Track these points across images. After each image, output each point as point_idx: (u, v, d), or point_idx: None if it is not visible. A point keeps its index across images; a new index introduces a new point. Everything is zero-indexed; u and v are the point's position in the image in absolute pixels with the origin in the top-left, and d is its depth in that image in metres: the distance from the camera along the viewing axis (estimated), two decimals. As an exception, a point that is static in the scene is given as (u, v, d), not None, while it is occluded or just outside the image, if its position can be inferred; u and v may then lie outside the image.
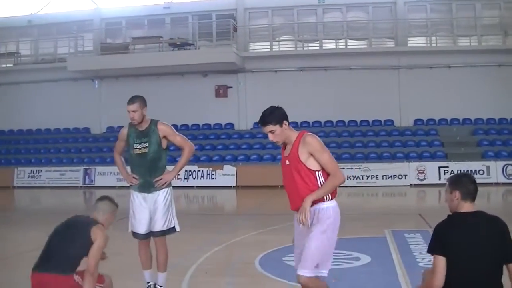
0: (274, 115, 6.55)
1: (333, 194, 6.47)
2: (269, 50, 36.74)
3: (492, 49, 33.72)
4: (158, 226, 8.38)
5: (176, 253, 11.87)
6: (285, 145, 6.62)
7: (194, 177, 31.66)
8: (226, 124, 36.48)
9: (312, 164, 6.31)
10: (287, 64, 35.25)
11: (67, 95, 37.09)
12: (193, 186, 30.77)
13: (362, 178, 30.29)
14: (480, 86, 32.89)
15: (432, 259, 5.41)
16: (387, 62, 34.39)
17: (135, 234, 8.49)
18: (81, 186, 32.91)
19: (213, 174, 31.56)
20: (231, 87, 36.29)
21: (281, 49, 36.83)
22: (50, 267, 6.56)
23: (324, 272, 6.52)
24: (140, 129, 8.46)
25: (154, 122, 8.52)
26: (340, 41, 36.01)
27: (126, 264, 10.17)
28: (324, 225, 6.35)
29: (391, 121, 34.82)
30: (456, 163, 28.40)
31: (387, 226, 15.08)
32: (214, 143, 35.06)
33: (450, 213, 5.53)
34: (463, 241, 5.25)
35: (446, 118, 34.11)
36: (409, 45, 35.24)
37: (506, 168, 29.41)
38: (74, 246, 6.68)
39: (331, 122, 34.56)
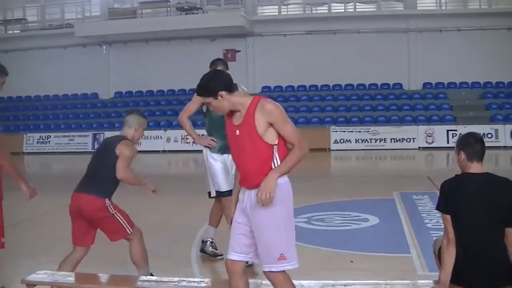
0: (207, 87, 5.46)
1: None
2: (277, 13, 36.56)
3: (502, 12, 33.36)
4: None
5: (186, 216, 11.97)
6: (232, 112, 5.39)
7: (202, 141, 31.65)
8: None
9: (270, 137, 5.17)
10: (296, 27, 35.08)
11: (75, 61, 37.06)
12: (201, 150, 30.71)
13: (371, 142, 30.32)
14: (489, 50, 32.68)
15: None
16: (396, 25, 34.22)
17: (221, 193, 8.48)
18: (90, 151, 32.93)
19: (221, 138, 31.56)
20: (239, 51, 36.18)
21: (289, 12, 36.68)
22: (84, 188, 6.76)
23: (292, 264, 5.22)
24: None
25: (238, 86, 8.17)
26: (348, 4, 35.77)
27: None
28: (282, 205, 5.23)
29: (400, 84, 34.73)
30: (464, 127, 28.26)
31: (395, 188, 15.10)
32: (223, 108, 35.04)
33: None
34: (467, 200, 5.25)
35: (455, 81, 34.00)
36: (418, 8, 34.97)
37: (515, 132, 29.43)
38: (104, 167, 6.77)
39: (340, 85, 34.49)
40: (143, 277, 6.64)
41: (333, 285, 5.95)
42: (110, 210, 6.73)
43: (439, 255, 5.51)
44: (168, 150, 31.95)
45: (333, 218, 10.87)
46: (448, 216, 5.26)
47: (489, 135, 29.09)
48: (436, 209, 5.50)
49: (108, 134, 33.02)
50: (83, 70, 36.88)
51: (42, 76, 36.82)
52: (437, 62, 33.29)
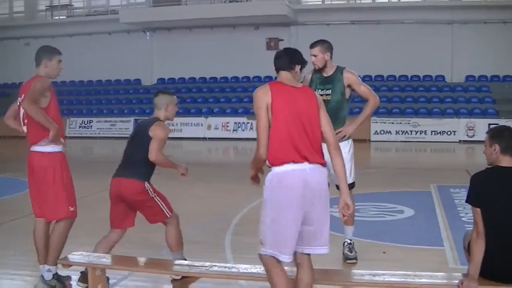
0: None
1: (274, 160, 5.27)
2: (321, 3, 36.54)
3: (548, 4, 33.03)
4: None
5: (225, 202, 12.11)
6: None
7: (243, 129, 31.87)
8: (277, 77, 36.49)
9: None
10: (339, 17, 35.01)
11: (119, 47, 37.43)
12: (242, 138, 31.00)
13: (411, 133, 30.19)
14: (535, 42, 32.31)
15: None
16: (440, 16, 33.93)
17: None
18: (131, 137, 33.37)
19: (262, 126, 31.67)
20: (282, 40, 36.18)
21: (333, 2, 36.58)
22: (123, 173, 6.91)
23: (263, 251, 5.24)
24: (325, 75, 7.97)
25: (340, 69, 8.02)
26: (393, -6, 35.65)
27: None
28: (266, 192, 5.28)
29: (442, 76, 34.48)
30: (507, 120, 27.89)
31: (433, 181, 15.11)
32: (264, 96, 35.15)
33: (489, 166, 5.56)
34: (498, 193, 5.26)
35: (499, 74, 33.64)
36: (463, -1, 34.72)
37: (558, 126, 29.01)
38: (140, 150, 6.88)
39: (382, 76, 34.35)
40: (176, 261, 6.79)
41: (362, 274, 6.05)
42: (150, 193, 6.86)
43: (468, 249, 5.54)
44: (209, 138, 32.13)
45: (369, 209, 10.91)
46: (478, 210, 5.30)
47: (532, 130, 28.75)
48: (466, 201, 5.53)
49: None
50: (126, 56, 37.21)
51: (86, 61, 37.18)
52: (481, 54, 32.95)
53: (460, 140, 29.56)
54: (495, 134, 5.52)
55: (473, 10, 33.55)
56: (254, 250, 6.97)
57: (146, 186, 6.87)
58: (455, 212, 11.14)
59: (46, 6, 40.86)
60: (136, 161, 6.91)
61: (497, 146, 5.41)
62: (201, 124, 32.81)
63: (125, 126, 33.73)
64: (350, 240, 8.07)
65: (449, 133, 29.92)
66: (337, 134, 7.38)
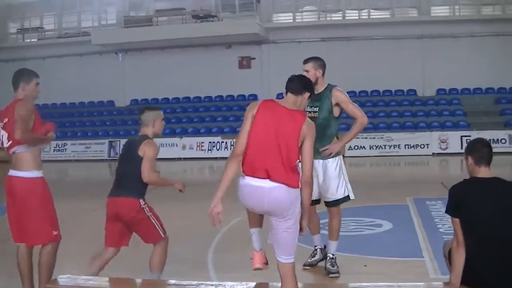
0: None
1: (244, 168, 5.63)
2: (292, 20, 36.84)
3: (516, 17, 33.56)
4: (330, 194, 8.03)
5: (203, 221, 12.16)
6: None
7: (218, 148, 31.98)
8: (250, 95, 36.65)
9: None
10: (310, 34, 35.28)
11: (92, 68, 37.41)
12: (217, 157, 31.07)
13: (385, 148, 30.48)
14: (503, 55, 32.73)
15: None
16: (410, 31, 34.37)
17: None
18: (106, 159, 33.29)
19: (236, 146, 31.75)
20: (254, 58, 36.45)
21: (304, 19, 36.91)
22: (118, 192, 6.98)
23: None
24: (315, 92, 7.61)
25: (330, 87, 8.13)
26: (362, 11, 36.00)
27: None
28: None
29: (414, 91, 34.88)
30: (478, 132, 28.28)
31: (409, 194, 15.26)
32: (237, 114, 35.22)
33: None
34: (475, 203, 5.40)
35: (469, 87, 34.09)
36: (432, 14, 35.14)
37: (529, 137, 29.49)
38: (131, 169, 6.95)
39: (354, 92, 34.48)
40: (166, 281, 6.86)
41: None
42: (146, 211, 6.94)
43: (449, 257, 5.67)
44: (184, 158, 32.13)
45: (348, 223, 10.99)
46: (457, 220, 5.44)
47: (503, 141, 29.19)
48: (446, 212, 5.66)
49: (125, 141, 33.39)
50: (99, 77, 37.19)
51: (59, 84, 37.04)
52: (451, 68, 33.37)
53: (433, 153, 29.88)
54: (468, 147, 5.71)
55: (442, 25, 34.06)
56: (237, 266, 7.05)
57: (141, 203, 6.94)
58: (432, 223, 11.29)
59: (17, 29, 40.83)
60: (129, 179, 6.96)
61: (470, 158, 5.60)
62: (176, 144, 32.82)
63: (100, 148, 33.72)
64: (333, 255, 8.14)
65: (422, 146, 30.23)
66: (323, 151, 7.71)
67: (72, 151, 34.36)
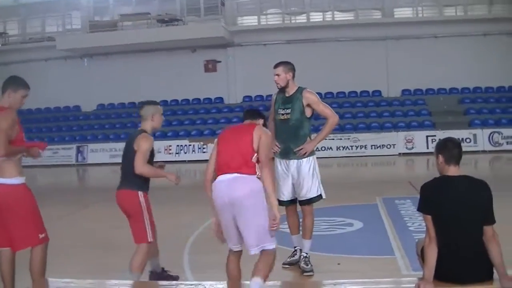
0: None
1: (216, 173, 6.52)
2: (257, 23, 36.92)
3: (478, 19, 34.00)
4: (303, 194, 8.26)
5: (176, 224, 12.21)
6: None
7: (185, 151, 32.02)
8: (216, 98, 36.75)
9: None
10: (276, 37, 35.47)
11: (57, 74, 37.17)
12: (185, 161, 31.12)
13: (352, 149, 30.70)
14: (466, 56, 33.18)
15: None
16: (374, 33, 34.65)
17: (280, 201, 8.18)
18: (74, 164, 33.14)
19: (204, 148, 31.85)
20: (220, 62, 36.53)
21: (269, 22, 37.02)
22: (120, 185, 7.30)
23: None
24: (287, 95, 8.38)
25: (300, 90, 8.38)
26: (327, 13, 36.18)
27: (124, 236, 10.52)
28: None
29: (379, 91, 35.19)
30: (443, 132, 28.61)
31: (378, 194, 15.46)
32: (204, 118, 35.36)
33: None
34: (445, 201, 5.54)
35: (433, 88, 34.50)
36: (395, 16, 35.49)
37: (492, 136, 29.89)
38: (128, 163, 7.18)
39: (320, 94, 34.28)
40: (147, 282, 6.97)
41: (324, 285, 6.28)
42: (142, 206, 7.16)
43: (422, 255, 5.82)
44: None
45: (319, 223, 11.09)
46: (429, 216, 5.59)
47: (468, 140, 29.57)
48: (418, 210, 5.83)
49: (92, 146, 33.30)
50: (65, 83, 36.95)
51: (24, 89, 36.75)
52: (415, 68, 33.72)
53: (399, 153, 30.17)
54: (439, 146, 5.85)
55: (405, 26, 34.42)
56: (212, 267, 7.15)
57: (139, 195, 7.16)
58: (402, 222, 11.47)
59: (-19, 35, 40.46)
60: (128, 173, 7.19)
61: (441, 157, 5.74)
62: (144, 148, 32.72)
63: (68, 153, 33.53)
64: (306, 253, 8.31)
65: (388, 146, 30.52)
66: (298, 151, 8.01)
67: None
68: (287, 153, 8.32)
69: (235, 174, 6.12)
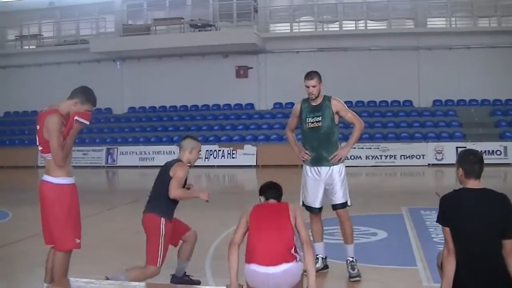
0: None
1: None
2: (289, 31, 36.95)
3: (511, 30, 33.74)
4: (339, 198, 8.48)
5: (201, 228, 12.29)
6: None
7: (215, 156, 32.10)
8: (247, 104, 36.80)
9: None
10: (307, 45, 35.48)
11: (89, 76, 37.24)
12: (214, 166, 31.21)
13: (381, 158, 30.56)
14: (498, 67, 32.89)
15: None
16: (406, 43, 34.51)
17: (309, 208, 8.64)
18: (103, 166, 33.39)
19: (233, 154, 31.96)
20: (251, 68, 36.59)
21: (301, 30, 37.04)
22: (147, 209, 7.49)
23: None
24: (314, 104, 8.57)
25: (327, 98, 8.62)
26: (359, 22, 36.12)
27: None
28: None
29: (410, 101, 35.01)
30: (474, 144, 28.45)
31: (404, 204, 15.44)
32: (234, 123, 35.42)
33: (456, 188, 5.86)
34: (463, 214, 5.53)
35: (465, 99, 34.24)
36: (428, 25, 35.28)
37: (523, 149, 29.64)
38: (161, 188, 7.44)
39: (351, 102, 34.60)
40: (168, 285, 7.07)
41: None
42: (161, 231, 7.32)
43: (441, 267, 5.82)
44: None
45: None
46: (447, 229, 5.60)
47: (498, 152, 29.36)
48: (436, 221, 5.84)
49: (122, 149, 33.54)
50: (97, 85, 36.17)
51: (56, 91, 36.86)
52: (447, 79, 33.56)
53: (429, 164, 30.00)
54: (461, 158, 5.83)
55: (437, 36, 34.23)
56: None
57: (162, 221, 7.34)
58: (426, 233, 11.46)
59: (15, 36, 40.87)
60: (159, 197, 7.44)
61: (461, 170, 5.73)
62: (173, 152, 32.78)
63: (97, 155, 33.80)
64: (352, 258, 8.45)
65: (418, 157, 30.35)
66: (333, 157, 8.24)
67: (69, 158, 34.34)
68: (319, 160, 8.52)
69: (281, 266, 6.07)
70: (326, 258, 8.78)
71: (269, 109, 36.22)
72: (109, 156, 33.70)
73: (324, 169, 8.49)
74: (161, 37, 35.93)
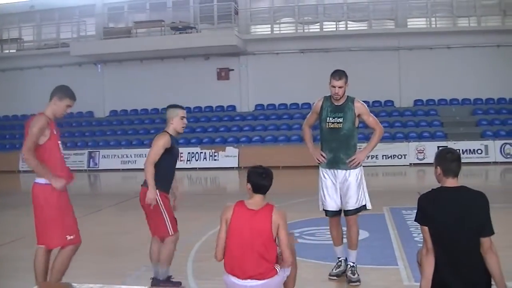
0: None
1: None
2: (270, 32, 36.96)
3: (491, 30, 33.92)
4: (351, 204, 8.36)
5: (183, 230, 12.29)
6: None
7: (196, 159, 32.05)
8: (228, 106, 36.79)
9: None
10: (288, 46, 35.51)
11: (71, 79, 36.77)
12: (196, 168, 31.18)
13: (363, 158, 30.55)
14: (479, 67, 33.10)
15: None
16: (387, 43, 34.61)
17: (326, 212, 8.53)
18: (85, 170, 33.25)
19: (215, 156, 31.94)
20: (232, 70, 36.58)
21: (282, 31, 37.07)
22: (144, 183, 7.62)
23: None
24: (336, 104, 8.43)
25: (350, 99, 8.51)
26: (340, 22, 36.21)
27: (132, 242, 10.59)
28: None
29: (391, 101, 35.11)
30: (455, 143, 28.60)
31: (385, 203, 15.44)
32: (216, 125, 35.40)
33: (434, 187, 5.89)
34: (442, 213, 5.56)
35: (446, 98, 34.38)
36: (409, 26, 35.40)
37: (504, 147, 29.74)
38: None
39: (332, 103, 34.77)
40: None
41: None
42: (158, 201, 7.40)
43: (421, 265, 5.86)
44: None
45: (326, 232, 11.14)
46: (426, 228, 5.63)
47: (479, 151, 29.52)
48: (415, 221, 5.88)
49: (104, 152, 33.43)
50: (78, 88, 35.96)
51: (38, 94, 36.47)
52: (428, 79, 33.69)
53: (410, 164, 30.08)
54: (438, 157, 5.89)
55: (418, 37, 34.34)
56: (215, 275, 7.22)
57: (156, 192, 7.38)
58: (407, 232, 11.51)
59: (-5, 40, 40.74)
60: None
61: (439, 168, 5.78)
62: (155, 155, 32.83)
63: (79, 159, 33.62)
64: (354, 263, 8.42)
65: (399, 156, 30.45)
66: (351, 161, 8.07)
67: (51, 162, 34.16)
68: (336, 163, 8.37)
69: (261, 281, 5.98)
70: (346, 259, 8.62)
71: (250, 111, 36.22)
72: (91, 160, 33.58)
73: (340, 172, 8.32)
74: (142, 40, 35.92)
